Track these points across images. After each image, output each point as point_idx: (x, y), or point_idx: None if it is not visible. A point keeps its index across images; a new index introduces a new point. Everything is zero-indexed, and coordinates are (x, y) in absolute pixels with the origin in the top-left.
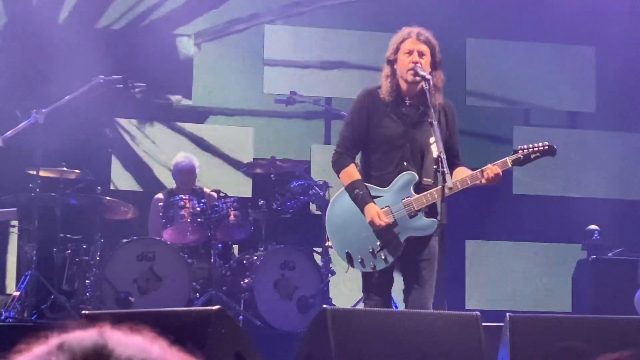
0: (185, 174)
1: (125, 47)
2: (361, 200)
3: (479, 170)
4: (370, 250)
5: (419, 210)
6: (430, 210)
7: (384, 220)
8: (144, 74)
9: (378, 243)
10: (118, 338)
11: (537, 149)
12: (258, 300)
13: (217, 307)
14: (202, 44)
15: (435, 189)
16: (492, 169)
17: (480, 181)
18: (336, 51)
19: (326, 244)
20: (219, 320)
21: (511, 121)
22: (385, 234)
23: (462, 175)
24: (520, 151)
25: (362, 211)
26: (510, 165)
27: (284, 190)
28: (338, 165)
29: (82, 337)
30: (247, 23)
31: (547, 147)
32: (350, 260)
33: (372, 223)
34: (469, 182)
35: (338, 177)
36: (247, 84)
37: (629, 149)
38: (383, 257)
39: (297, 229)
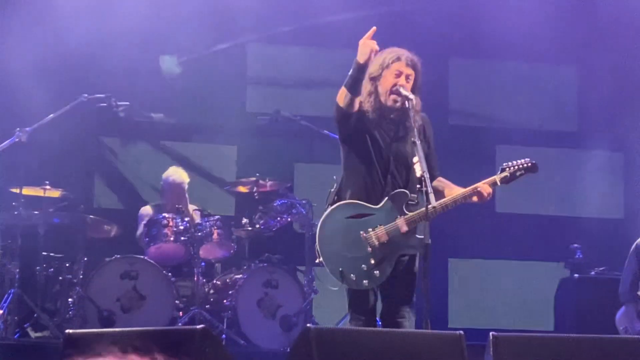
0: (172, 189)
1: (108, 65)
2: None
3: (471, 188)
4: (364, 269)
5: (410, 228)
6: (418, 228)
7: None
8: (128, 93)
9: (372, 261)
10: None
11: (521, 166)
12: (241, 318)
13: (201, 326)
14: (185, 62)
15: (425, 207)
16: (485, 188)
17: (476, 198)
18: (319, 70)
19: (316, 261)
20: (203, 339)
21: (493, 140)
22: (379, 251)
23: (451, 191)
24: (507, 169)
25: (358, 68)
26: (499, 184)
27: (267, 209)
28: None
29: None
30: (230, 42)
31: (529, 164)
32: (343, 278)
33: (364, 40)
34: (461, 201)
35: (340, 99)
36: (231, 103)
37: (610, 168)
38: (376, 274)
39: (280, 248)
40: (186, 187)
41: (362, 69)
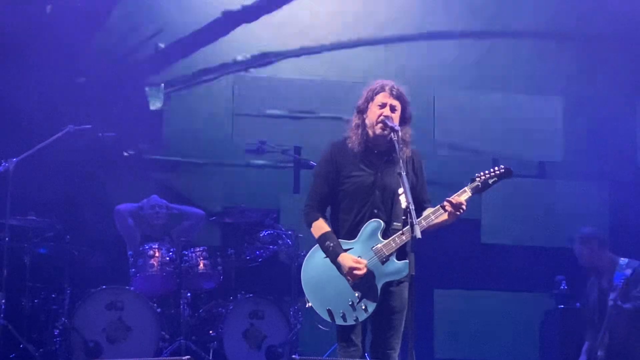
0: (149, 207)
1: (95, 96)
2: (332, 252)
3: (440, 205)
4: (350, 303)
5: (390, 255)
6: (400, 250)
7: (362, 262)
8: (114, 124)
9: (356, 294)
10: None
11: (493, 173)
12: (227, 349)
13: (187, 357)
14: (171, 93)
15: (402, 230)
16: (452, 200)
17: (447, 215)
18: (305, 101)
19: (307, 306)
20: None
21: (480, 171)
22: (362, 284)
23: (426, 212)
24: (477, 178)
25: (335, 263)
26: (470, 194)
27: (253, 240)
28: (308, 219)
29: None
30: (217, 73)
31: (503, 170)
32: (331, 316)
33: (351, 271)
34: (433, 217)
35: (310, 230)
36: (217, 134)
37: (596, 199)
38: (363, 307)
39: (266, 278)
40: (163, 212)
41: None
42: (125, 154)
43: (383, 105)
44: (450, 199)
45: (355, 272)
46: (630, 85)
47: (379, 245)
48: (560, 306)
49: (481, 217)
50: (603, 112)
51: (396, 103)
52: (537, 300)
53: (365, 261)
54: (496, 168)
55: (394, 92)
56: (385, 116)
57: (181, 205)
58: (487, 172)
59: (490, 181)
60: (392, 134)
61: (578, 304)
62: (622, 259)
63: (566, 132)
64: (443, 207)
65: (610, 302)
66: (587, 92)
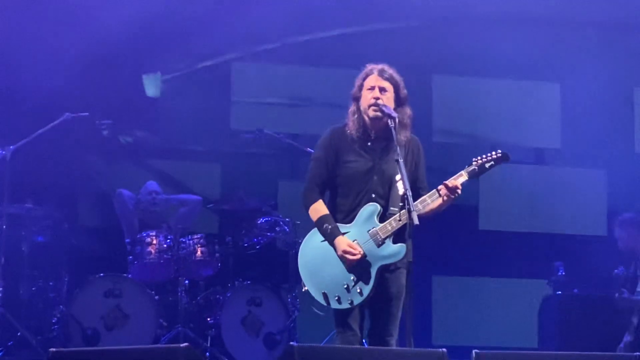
0: (146, 193)
1: (92, 84)
2: (330, 234)
3: (435, 188)
4: (345, 286)
5: (386, 238)
6: (397, 237)
7: (356, 249)
8: (111, 111)
9: (352, 277)
10: None
11: (490, 157)
12: (225, 336)
13: (185, 344)
14: (169, 80)
15: (399, 213)
16: (448, 183)
17: (443, 198)
18: (303, 88)
19: (303, 290)
20: (186, 357)
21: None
22: (357, 267)
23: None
24: (474, 162)
25: (333, 245)
26: (467, 178)
27: (250, 227)
28: (306, 201)
29: None
30: (214, 60)
31: (500, 154)
32: (327, 300)
33: (344, 254)
34: (429, 201)
35: (307, 213)
36: (214, 121)
37: (592, 185)
38: (358, 290)
39: (264, 266)
40: (159, 199)
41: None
42: (122, 141)
43: (372, 88)
44: (446, 182)
45: (348, 256)
46: (627, 72)
47: (376, 228)
48: (558, 292)
49: (479, 203)
50: (600, 99)
51: (386, 84)
52: (535, 287)
53: (360, 249)
54: (493, 152)
55: (384, 74)
56: (376, 98)
57: (178, 194)
58: (484, 156)
59: (487, 165)
60: (389, 120)
61: (576, 290)
62: None
63: (563, 119)
64: (439, 191)
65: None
66: (584, 79)
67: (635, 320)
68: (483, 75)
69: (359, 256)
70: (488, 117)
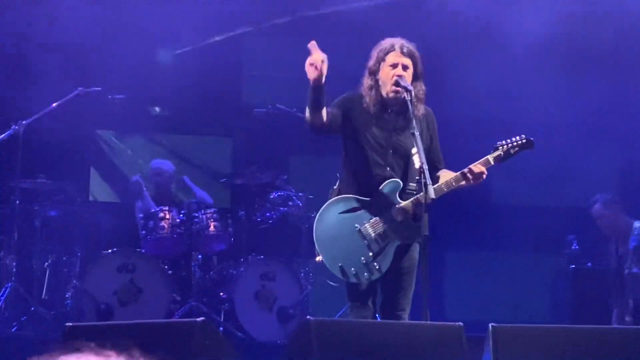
0: (156, 175)
1: (104, 58)
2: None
3: (461, 171)
4: (364, 262)
5: (406, 218)
6: (416, 217)
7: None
8: (123, 86)
9: (370, 254)
10: None
11: (515, 143)
12: (238, 311)
13: (201, 318)
14: (181, 55)
15: (420, 194)
16: (474, 168)
17: (467, 182)
18: None
19: (316, 260)
20: (203, 331)
21: (490, 131)
22: (376, 243)
23: (446, 177)
24: (500, 148)
25: (314, 89)
26: (492, 163)
27: (263, 201)
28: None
29: None
30: (227, 34)
31: (524, 140)
32: (344, 273)
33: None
34: (454, 184)
35: (307, 118)
36: (227, 95)
37: (605, 160)
38: (377, 266)
39: (277, 240)
40: (169, 175)
41: (314, 89)
42: (152, 112)
43: (395, 65)
44: (472, 166)
45: (311, 64)
46: None
47: (399, 206)
48: (571, 266)
49: (491, 178)
50: (612, 73)
51: (407, 61)
52: (548, 261)
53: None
54: (518, 138)
55: (405, 50)
56: (398, 76)
57: (198, 188)
58: (508, 141)
59: (512, 151)
60: (405, 93)
61: (589, 264)
62: (636, 222)
63: (574, 93)
64: (464, 175)
65: (626, 271)
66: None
67: (631, 302)
68: (495, 51)
69: (322, 70)
70: (499, 92)
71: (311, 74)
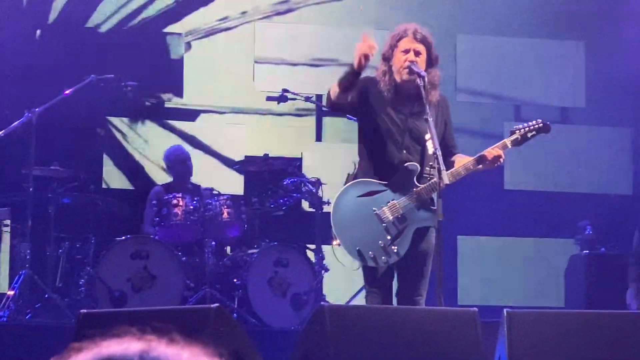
0: (180, 162)
1: (116, 46)
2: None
3: (478, 155)
4: (382, 245)
5: (423, 202)
6: (432, 201)
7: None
8: (135, 73)
9: (388, 237)
10: (164, 351)
11: (532, 127)
12: (252, 297)
13: (216, 304)
14: (192, 42)
15: (435, 179)
16: (491, 152)
17: (484, 165)
18: (327, 48)
19: (333, 243)
20: (218, 318)
21: (501, 117)
22: (394, 227)
23: (463, 161)
24: (517, 132)
25: (352, 72)
26: (509, 146)
27: (276, 188)
28: (328, 94)
29: (127, 350)
30: (238, 21)
31: (541, 124)
32: (362, 257)
33: (360, 50)
34: (471, 167)
35: (331, 92)
36: (238, 82)
37: (619, 144)
38: (395, 250)
39: (290, 226)
40: (190, 161)
41: (355, 73)
42: (147, 103)
43: (407, 51)
44: (490, 150)
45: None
46: None
47: (417, 190)
48: (585, 251)
49: (504, 163)
50: (625, 57)
51: (420, 47)
52: (562, 246)
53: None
54: (534, 122)
55: (418, 36)
56: (410, 62)
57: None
58: (525, 125)
59: (529, 135)
60: (418, 79)
61: (603, 249)
62: None
63: (588, 77)
64: (482, 158)
65: None
66: (609, 37)
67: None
68: (508, 34)
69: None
70: (512, 76)
71: (359, 59)
